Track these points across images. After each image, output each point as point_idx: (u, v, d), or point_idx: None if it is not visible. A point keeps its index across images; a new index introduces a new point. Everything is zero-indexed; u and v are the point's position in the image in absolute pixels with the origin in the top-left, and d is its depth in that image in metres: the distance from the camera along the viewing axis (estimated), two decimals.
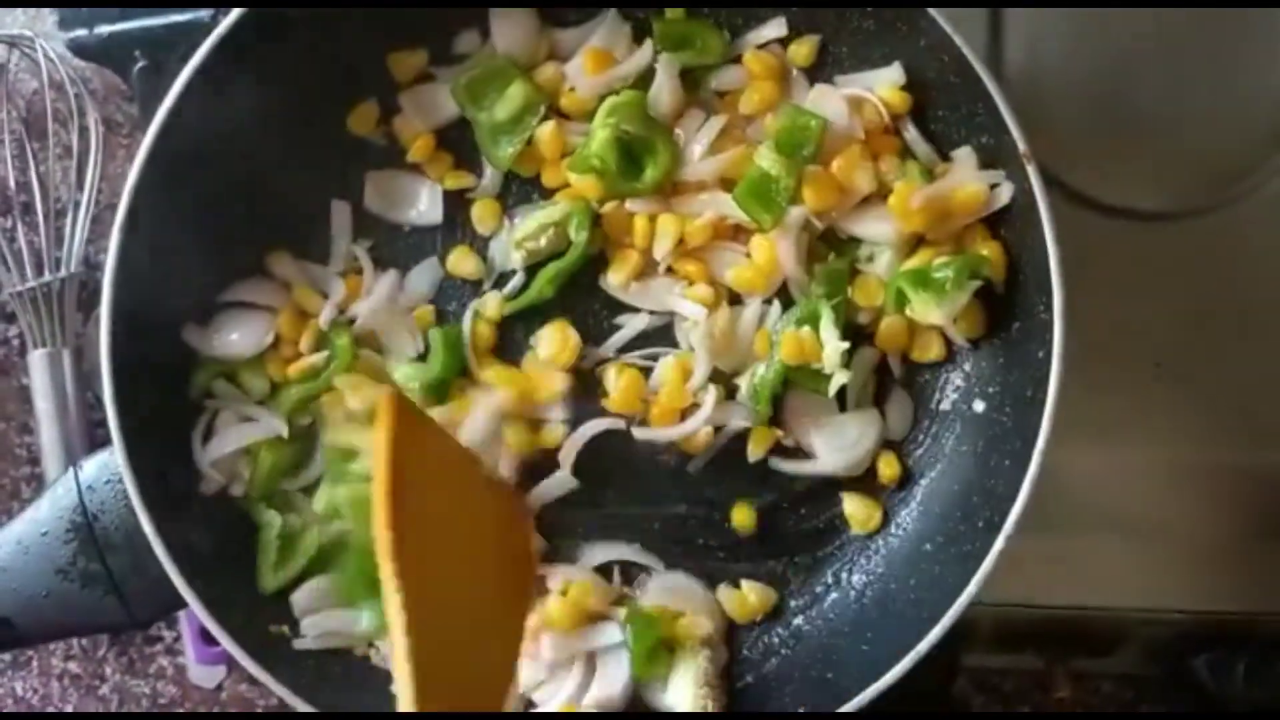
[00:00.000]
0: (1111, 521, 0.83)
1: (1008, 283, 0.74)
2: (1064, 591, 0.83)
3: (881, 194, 0.75)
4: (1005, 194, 0.73)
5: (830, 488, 0.78)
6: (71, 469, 0.73)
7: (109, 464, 0.72)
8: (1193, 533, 0.83)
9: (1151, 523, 0.83)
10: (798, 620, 0.77)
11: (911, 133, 0.75)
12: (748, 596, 0.77)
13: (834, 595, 0.77)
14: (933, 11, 0.70)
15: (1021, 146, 0.69)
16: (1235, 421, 0.84)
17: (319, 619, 0.74)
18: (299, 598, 0.74)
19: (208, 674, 0.93)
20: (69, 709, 0.95)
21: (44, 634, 0.75)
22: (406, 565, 0.56)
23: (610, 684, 0.74)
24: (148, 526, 0.69)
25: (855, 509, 0.77)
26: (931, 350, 0.76)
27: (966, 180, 0.73)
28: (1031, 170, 0.69)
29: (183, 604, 0.70)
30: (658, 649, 0.74)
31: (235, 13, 0.72)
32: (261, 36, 0.73)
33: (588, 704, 0.74)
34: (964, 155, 0.75)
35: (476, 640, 0.60)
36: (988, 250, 0.74)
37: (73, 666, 0.95)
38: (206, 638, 0.90)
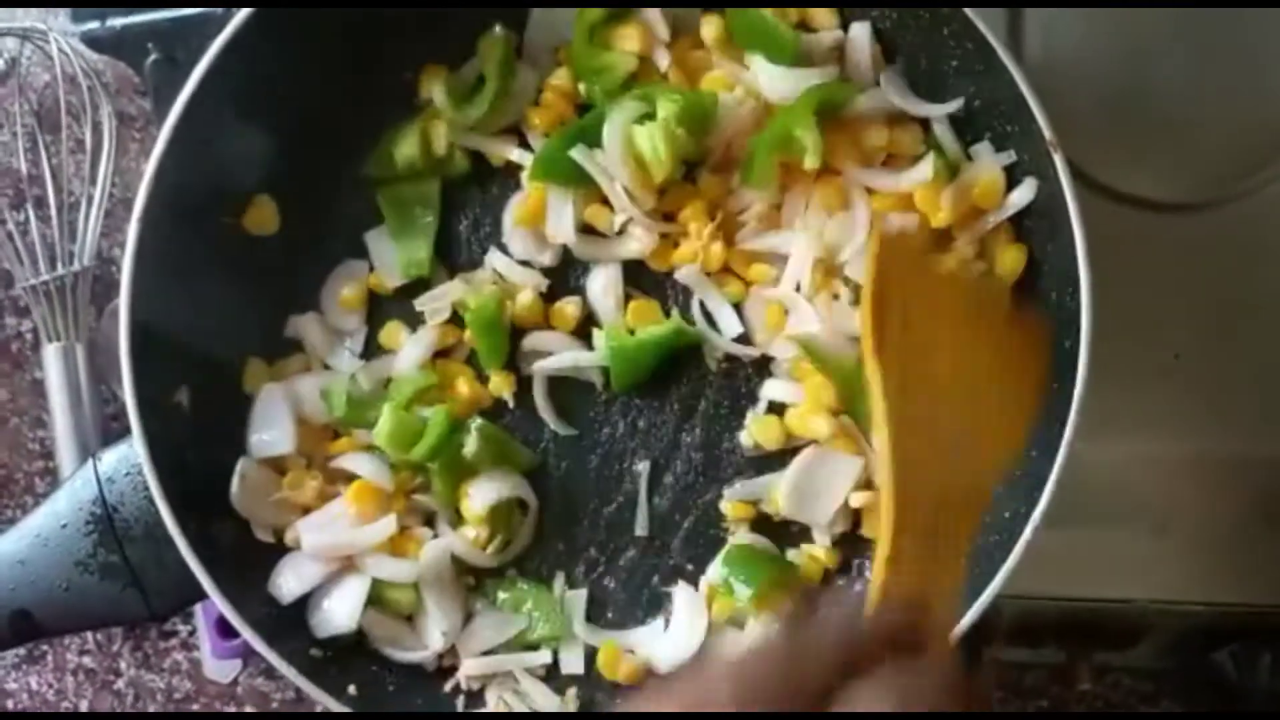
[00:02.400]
0: (1133, 513, 0.82)
1: (1033, 271, 0.74)
2: (1086, 584, 0.82)
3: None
4: (1029, 192, 0.72)
5: None
6: (91, 461, 0.73)
7: (128, 456, 0.72)
8: (1216, 524, 0.83)
9: (1174, 514, 0.82)
10: (825, 611, 0.77)
11: (941, 127, 0.75)
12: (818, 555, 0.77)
13: (858, 587, 0.77)
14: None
15: (1048, 134, 0.68)
16: (1257, 412, 0.83)
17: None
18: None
19: (223, 668, 0.93)
20: (84, 704, 0.95)
21: (63, 626, 0.74)
22: (888, 360, 0.61)
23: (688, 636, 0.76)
24: (168, 518, 0.68)
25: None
26: None
27: (984, 170, 0.73)
28: (1058, 159, 0.68)
29: (203, 596, 0.70)
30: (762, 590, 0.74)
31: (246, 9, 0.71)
32: (275, 29, 0.72)
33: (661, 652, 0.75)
34: (983, 150, 0.75)
35: (960, 444, 0.61)
36: (1011, 253, 0.74)
37: (87, 661, 0.95)
38: (222, 632, 0.90)
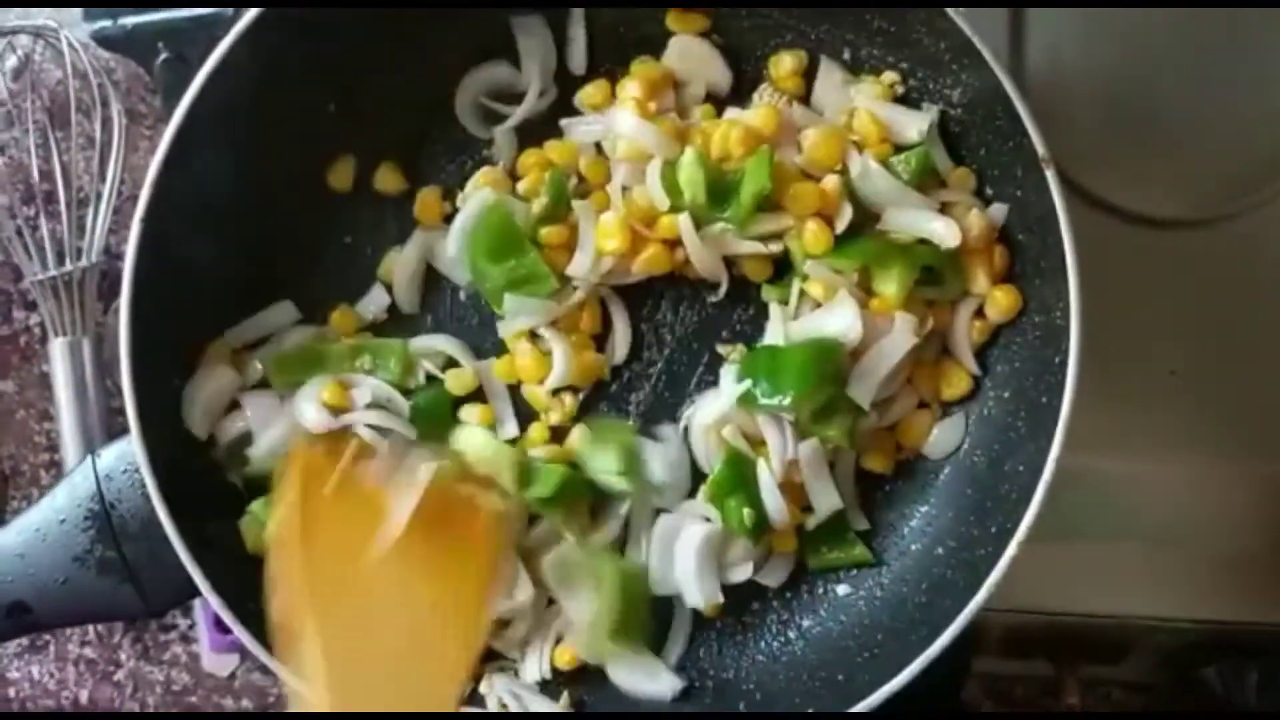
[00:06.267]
0: (1124, 529, 0.83)
1: (1024, 288, 0.74)
2: (1076, 598, 0.83)
3: None
4: (999, 214, 0.74)
5: None
6: (90, 457, 0.74)
7: (127, 453, 0.73)
8: (1206, 541, 0.83)
9: (1164, 530, 0.83)
10: (807, 621, 0.77)
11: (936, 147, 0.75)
12: None
13: (844, 597, 0.77)
14: (953, 14, 0.70)
15: (1041, 151, 0.69)
16: (1250, 430, 0.83)
17: None
18: None
19: (221, 662, 0.94)
20: (84, 694, 0.96)
21: (60, 619, 0.76)
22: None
23: None
24: (164, 517, 0.69)
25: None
26: (959, 385, 0.76)
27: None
28: (1050, 175, 0.68)
29: (197, 593, 0.71)
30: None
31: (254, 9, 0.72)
32: (284, 30, 0.73)
33: None
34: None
35: (403, 674, 0.62)
36: (1001, 294, 0.74)
37: (89, 652, 0.96)
38: (221, 627, 0.90)
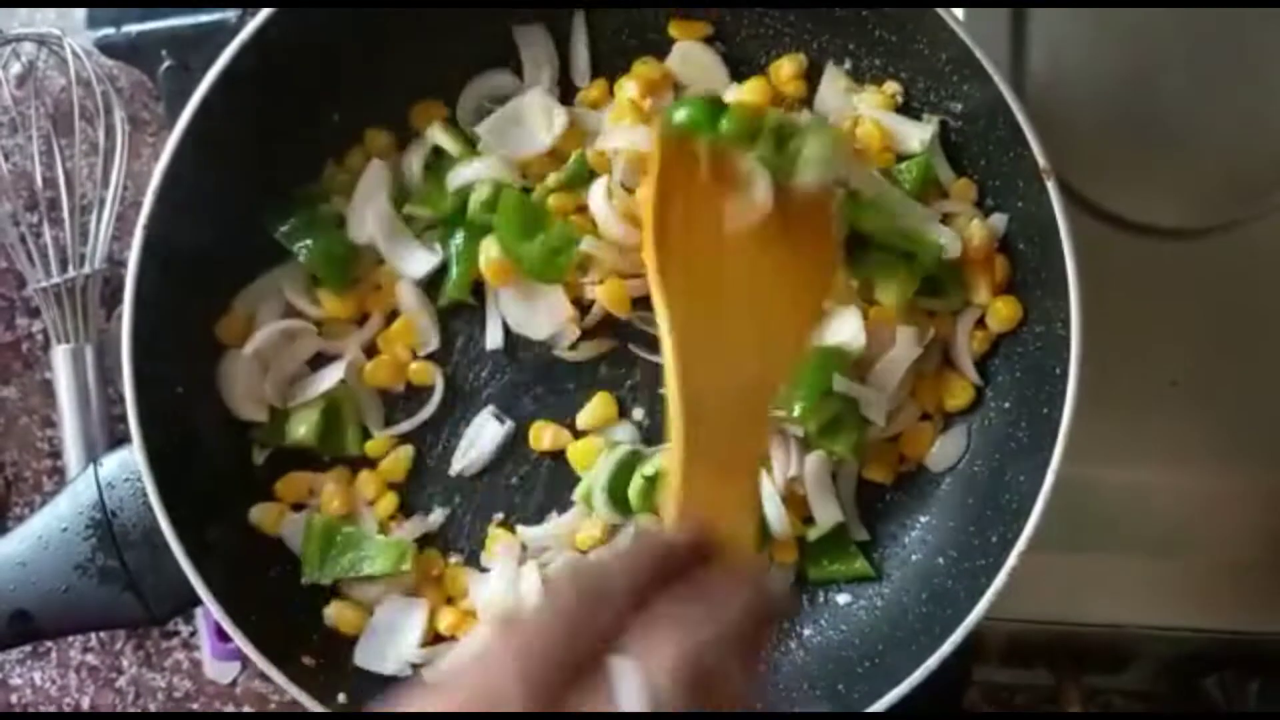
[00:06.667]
0: (1125, 538, 0.82)
1: (1025, 298, 0.74)
2: (1077, 608, 0.82)
3: None
4: (1000, 224, 0.74)
5: None
6: (91, 466, 0.74)
7: (128, 462, 0.73)
8: (1208, 551, 0.82)
9: (1166, 540, 0.82)
10: (807, 631, 0.77)
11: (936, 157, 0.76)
12: None
13: (845, 606, 0.77)
14: (954, 25, 0.70)
15: (1042, 163, 0.69)
16: (1251, 439, 0.83)
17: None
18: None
19: (223, 669, 0.94)
20: (86, 700, 0.96)
21: (61, 628, 0.76)
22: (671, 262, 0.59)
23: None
24: (165, 525, 0.69)
25: None
26: (961, 396, 0.77)
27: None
28: (1051, 186, 0.69)
29: (199, 601, 0.71)
30: None
31: (261, 14, 0.72)
32: (287, 38, 0.73)
33: None
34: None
35: (744, 351, 0.58)
36: (1002, 304, 0.75)
37: (90, 658, 0.96)
38: (222, 634, 0.90)
